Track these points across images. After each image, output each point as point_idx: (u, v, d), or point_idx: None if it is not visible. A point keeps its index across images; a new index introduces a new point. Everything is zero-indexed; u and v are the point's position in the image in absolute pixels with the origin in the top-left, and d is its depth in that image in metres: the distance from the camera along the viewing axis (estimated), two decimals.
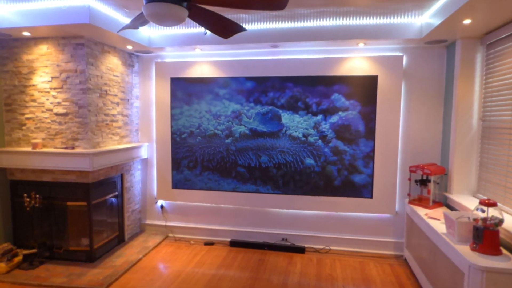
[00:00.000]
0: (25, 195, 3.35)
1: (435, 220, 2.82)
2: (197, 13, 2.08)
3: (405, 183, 3.63)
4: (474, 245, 2.20)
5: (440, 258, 2.53)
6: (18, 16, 2.92)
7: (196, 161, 4.09)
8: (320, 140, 3.76)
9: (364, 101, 3.62)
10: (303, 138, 3.80)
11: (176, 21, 1.92)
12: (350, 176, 3.73)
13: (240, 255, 3.69)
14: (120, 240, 3.93)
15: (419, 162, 3.58)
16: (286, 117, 3.83)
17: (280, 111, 3.84)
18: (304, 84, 3.76)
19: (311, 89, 3.75)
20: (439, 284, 2.55)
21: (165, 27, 3.57)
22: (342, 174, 3.74)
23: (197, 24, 3.45)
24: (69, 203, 3.39)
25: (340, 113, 3.70)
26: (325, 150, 3.75)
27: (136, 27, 2.38)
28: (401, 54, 3.53)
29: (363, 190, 3.68)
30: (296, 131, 3.81)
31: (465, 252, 2.18)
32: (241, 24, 2.17)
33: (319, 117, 3.75)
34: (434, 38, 3.14)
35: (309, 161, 3.80)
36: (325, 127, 3.73)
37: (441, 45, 3.41)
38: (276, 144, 3.85)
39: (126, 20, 3.20)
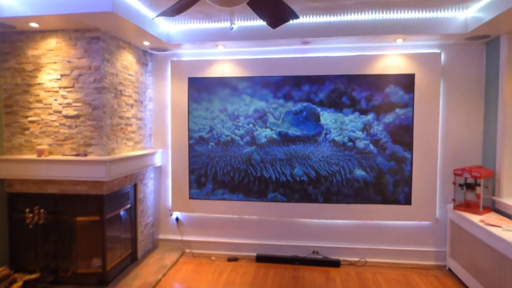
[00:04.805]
0: (27, 210, 2.89)
1: (495, 227, 2.59)
2: None
3: (445, 188, 3.40)
4: None
5: (511, 269, 2.28)
6: (25, 4, 2.54)
7: (206, 175, 3.42)
8: (371, 145, 3.13)
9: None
10: (350, 144, 3.14)
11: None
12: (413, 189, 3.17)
13: (271, 272, 3.33)
14: (133, 259, 3.49)
15: (459, 165, 3.37)
16: (327, 117, 3.17)
17: (319, 108, 3.19)
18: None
19: (359, 80, 3.06)
20: None
21: (186, 21, 3.26)
22: (402, 188, 3.09)
23: (221, 19, 3.18)
24: (78, 219, 2.96)
25: (397, 110, 3.07)
26: (379, 158, 3.11)
27: (173, 15, 2.10)
28: (438, 51, 3.35)
29: (402, 196, 3.41)
30: (340, 135, 3.14)
31: None
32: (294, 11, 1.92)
33: (370, 116, 3.12)
34: (479, 34, 2.98)
35: (359, 173, 3.14)
36: (377, 128, 3.10)
37: (480, 41, 3.25)
38: (314, 151, 3.16)
39: (147, 12, 2.89)
